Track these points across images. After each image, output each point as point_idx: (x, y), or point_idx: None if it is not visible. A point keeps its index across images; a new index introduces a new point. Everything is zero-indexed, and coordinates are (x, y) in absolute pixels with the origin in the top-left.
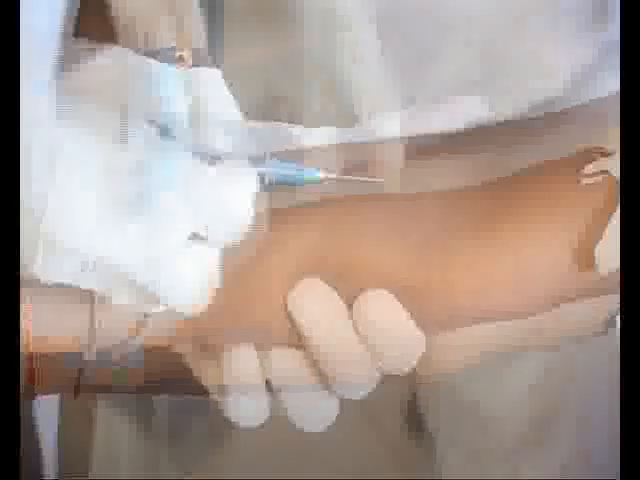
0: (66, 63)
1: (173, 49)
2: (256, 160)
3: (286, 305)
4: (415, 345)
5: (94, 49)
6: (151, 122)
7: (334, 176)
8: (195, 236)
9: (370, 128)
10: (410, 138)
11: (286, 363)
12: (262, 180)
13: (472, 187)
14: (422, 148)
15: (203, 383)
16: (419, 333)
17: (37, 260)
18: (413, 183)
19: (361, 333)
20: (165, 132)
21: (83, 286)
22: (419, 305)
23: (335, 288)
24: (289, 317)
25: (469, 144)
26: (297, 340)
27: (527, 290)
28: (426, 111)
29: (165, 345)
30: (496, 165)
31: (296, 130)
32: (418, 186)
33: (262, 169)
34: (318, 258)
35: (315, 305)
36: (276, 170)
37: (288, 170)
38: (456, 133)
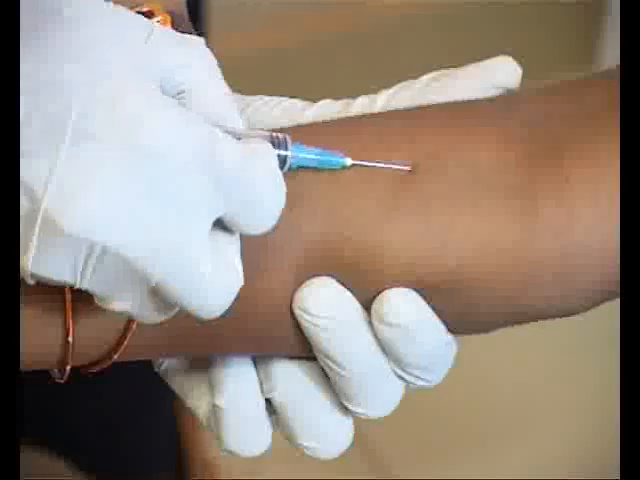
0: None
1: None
2: (276, 144)
3: (292, 307)
4: (446, 354)
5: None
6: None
7: (364, 162)
8: (216, 224)
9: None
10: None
11: (292, 378)
12: (282, 165)
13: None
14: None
15: (190, 408)
16: (450, 338)
17: (30, 249)
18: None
19: (382, 340)
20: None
21: (82, 285)
22: (448, 304)
23: (349, 286)
24: (296, 321)
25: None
26: (305, 350)
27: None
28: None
29: (146, 359)
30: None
31: (298, 103)
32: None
33: (283, 153)
34: (329, 250)
35: (327, 307)
36: (300, 155)
37: (312, 155)
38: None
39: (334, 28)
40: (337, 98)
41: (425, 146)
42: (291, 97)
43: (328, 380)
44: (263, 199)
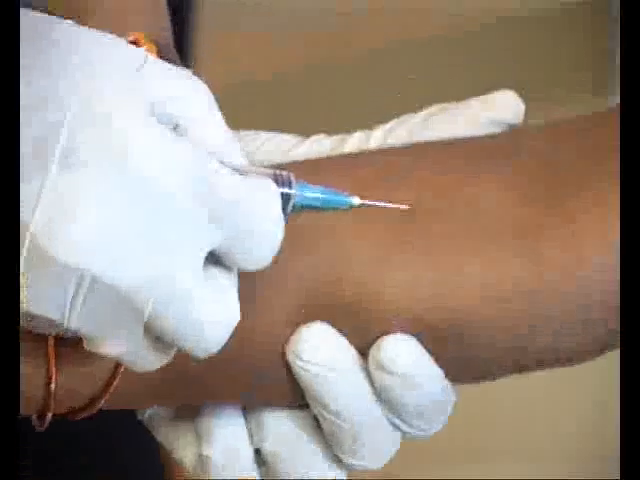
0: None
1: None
2: (280, 181)
3: (285, 353)
4: (445, 402)
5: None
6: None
7: (372, 202)
8: (213, 259)
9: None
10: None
11: (284, 428)
12: (286, 205)
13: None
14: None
15: (175, 458)
16: (449, 386)
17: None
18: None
19: (379, 388)
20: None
21: (71, 322)
22: (448, 351)
23: (345, 332)
24: (289, 368)
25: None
26: (297, 398)
27: None
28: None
29: (129, 407)
30: None
31: (291, 139)
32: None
33: (287, 191)
34: (326, 293)
35: (322, 354)
36: (305, 194)
37: (318, 193)
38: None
39: (326, 55)
40: (330, 131)
41: (429, 185)
42: (282, 129)
43: (321, 430)
44: (261, 234)
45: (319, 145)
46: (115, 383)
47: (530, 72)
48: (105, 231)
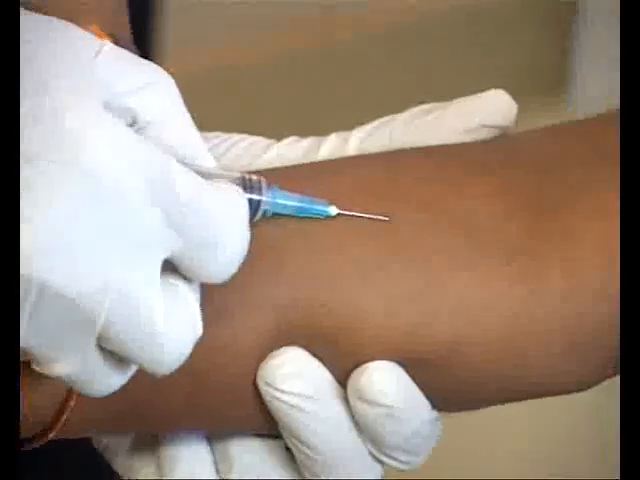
0: None
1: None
2: (248, 186)
3: (256, 381)
4: (432, 434)
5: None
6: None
7: (351, 213)
8: (170, 269)
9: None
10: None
11: (252, 458)
12: (254, 212)
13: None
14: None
15: None
16: (436, 415)
17: None
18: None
19: (360, 419)
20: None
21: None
22: (436, 380)
23: (323, 358)
24: (259, 397)
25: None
26: (268, 428)
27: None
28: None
29: (80, 435)
30: None
31: (262, 141)
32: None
33: (256, 197)
34: (300, 316)
35: (296, 382)
36: (277, 201)
37: (292, 201)
38: None
39: (303, 44)
40: (303, 133)
41: (413, 197)
42: (252, 131)
43: (294, 462)
44: (223, 243)
45: (291, 149)
46: (67, 411)
47: (485, 70)
48: (52, 234)
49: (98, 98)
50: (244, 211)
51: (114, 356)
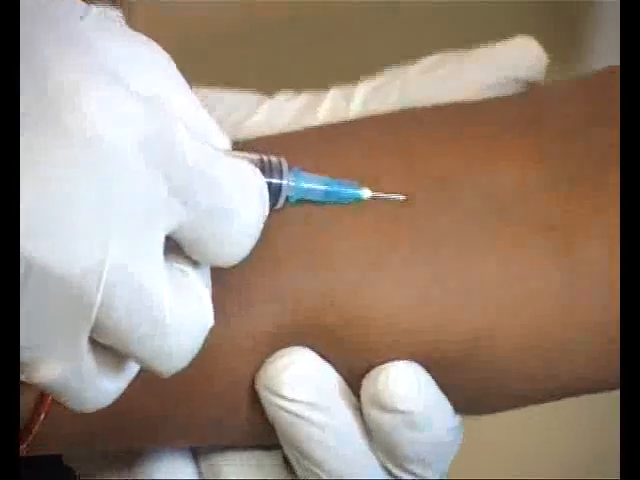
0: None
1: None
2: (267, 169)
3: (255, 386)
4: (453, 442)
5: None
6: None
7: (383, 194)
8: (174, 253)
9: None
10: None
11: (243, 472)
12: (275, 197)
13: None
14: None
15: None
16: (459, 422)
17: None
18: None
19: (375, 428)
20: None
21: None
22: (460, 382)
23: (331, 360)
24: (257, 404)
25: None
26: (266, 439)
27: None
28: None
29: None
30: None
31: (250, 96)
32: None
33: (277, 181)
34: (305, 313)
35: (302, 387)
36: (301, 185)
37: (318, 184)
38: None
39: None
40: (297, 89)
41: (428, 170)
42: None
43: (292, 472)
44: (236, 210)
45: (287, 106)
46: (38, 423)
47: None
48: (35, 201)
49: (90, 58)
50: (258, 180)
51: (110, 358)
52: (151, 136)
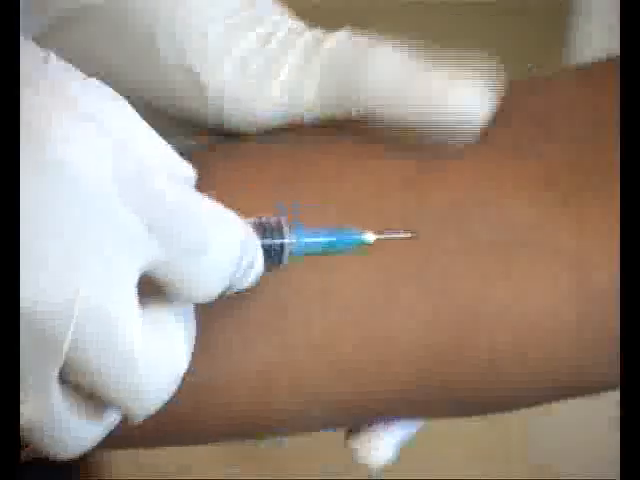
0: None
1: None
2: (269, 232)
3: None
4: None
5: None
6: None
7: (387, 235)
8: (151, 290)
9: None
10: None
11: None
12: (279, 257)
13: None
14: None
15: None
16: None
17: None
18: None
19: None
20: None
21: None
22: (471, 400)
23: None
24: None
25: None
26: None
27: None
28: None
29: None
30: None
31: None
32: None
33: (278, 241)
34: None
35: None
36: (303, 241)
37: (321, 237)
38: None
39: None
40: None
41: (433, 195)
42: None
43: None
44: (212, 245)
45: (246, 40)
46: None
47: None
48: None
49: (59, 94)
50: (234, 216)
51: (87, 400)
52: (126, 175)
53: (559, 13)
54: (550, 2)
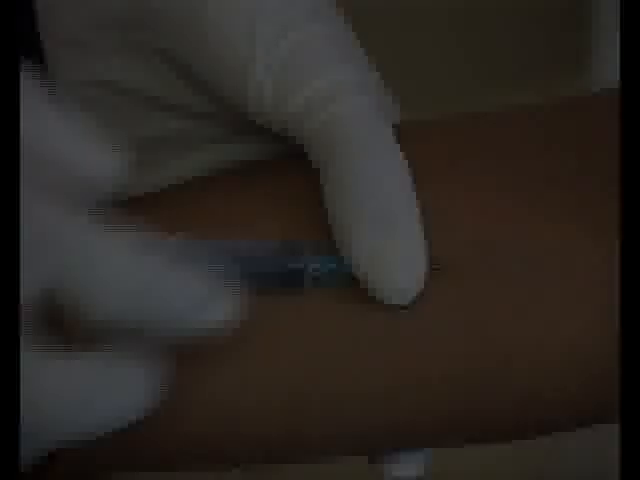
0: None
1: None
2: (290, 253)
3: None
4: None
5: None
6: None
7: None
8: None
9: None
10: None
11: None
12: (299, 281)
13: None
14: None
15: None
16: None
17: None
18: None
19: None
20: None
21: None
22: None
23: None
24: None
25: None
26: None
27: None
28: None
29: None
30: None
31: None
32: None
33: (295, 266)
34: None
35: None
36: (318, 266)
37: (326, 268)
38: None
39: None
40: None
41: (472, 235)
42: None
43: None
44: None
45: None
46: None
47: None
48: None
49: None
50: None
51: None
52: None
53: (578, 28)
54: (567, 18)
